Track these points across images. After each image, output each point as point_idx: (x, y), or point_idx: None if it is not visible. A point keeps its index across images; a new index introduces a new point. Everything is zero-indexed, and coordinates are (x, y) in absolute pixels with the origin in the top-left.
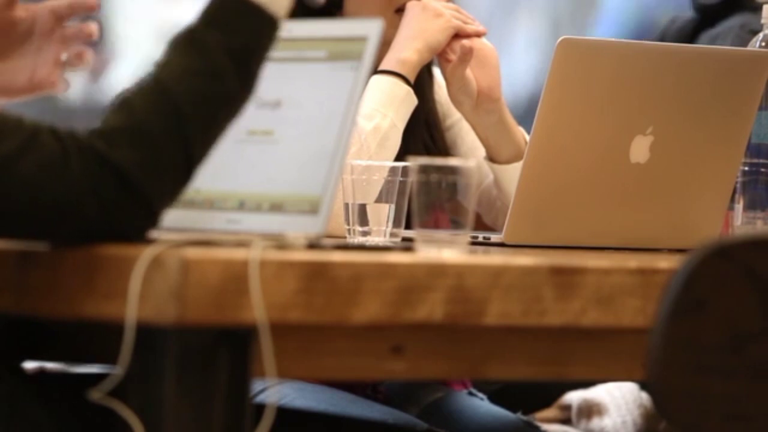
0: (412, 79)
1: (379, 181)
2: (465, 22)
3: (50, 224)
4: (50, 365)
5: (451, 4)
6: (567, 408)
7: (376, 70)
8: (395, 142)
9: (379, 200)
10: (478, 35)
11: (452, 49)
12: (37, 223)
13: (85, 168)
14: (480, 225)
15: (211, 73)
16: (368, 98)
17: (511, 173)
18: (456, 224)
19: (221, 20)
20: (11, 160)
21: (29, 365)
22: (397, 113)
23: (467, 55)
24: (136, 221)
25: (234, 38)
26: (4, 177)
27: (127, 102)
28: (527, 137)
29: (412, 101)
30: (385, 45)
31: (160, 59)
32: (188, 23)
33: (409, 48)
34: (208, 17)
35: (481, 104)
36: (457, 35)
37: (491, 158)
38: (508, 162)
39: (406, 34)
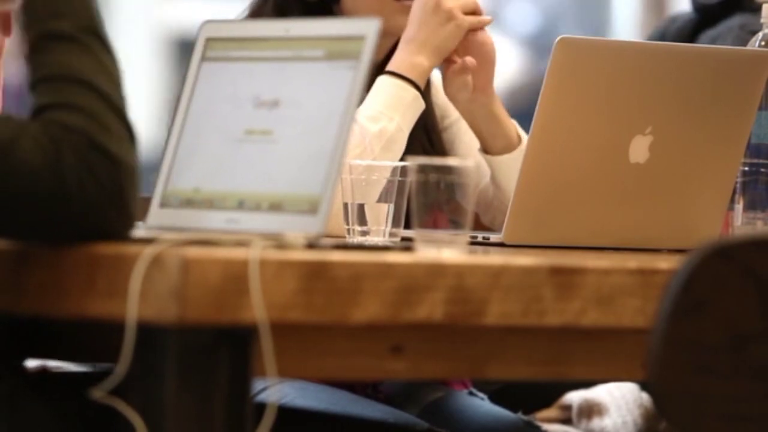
0: (422, 85)
1: (380, 181)
2: (475, 12)
3: (51, 208)
4: (52, 364)
5: None
6: (567, 408)
7: (383, 69)
8: (401, 146)
9: (378, 200)
10: (483, 25)
11: (457, 52)
12: (38, 209)
13: (77, 153)
14: (478, 225)
15: (89, 51)
16: (375, 100)
17: (505, 165)
18: (455, 224)
19: (57, 9)
20: (7, 148)
21: (31, 364)
22: (403, 117)
23: (472, 67)
24: (131, 191)
25: (79, 19)
26: (3, 163)
27: (43, 106)
28: (519, 129)
29: (420, 105)
30: (385, 36)
31: (31, 68)
32: (30, 30)
33: (420, 52)
34: (44, 12)
35: (475, 100)
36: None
37: (485, 149)
38: (501, 153)
39: (418, 36)
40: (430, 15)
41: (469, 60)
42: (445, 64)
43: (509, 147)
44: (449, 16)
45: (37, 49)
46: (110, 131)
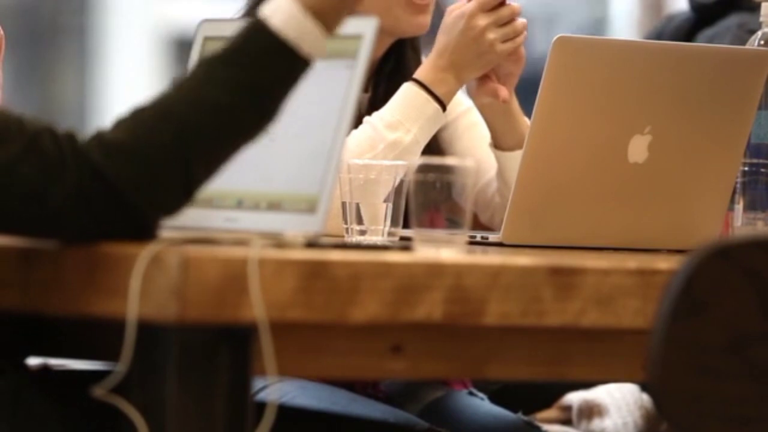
0: (446, 103)
1: (385, 181)
2: (510, 20)
3: (48, 229)
4: (54, 362)
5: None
6: (567, 409)
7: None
8: (414, 158)
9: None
10: (516, 48)
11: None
12: (36, 227)
13: (79, 178)
14: (476, 224)
15: (221, 108)
16: (397, 107)
17: (516, 162)
18: (453, 224)
19: (245, 56)
20: (14, 164)
21: (33, 361)
22: (421, 130)
23: (504, 100)
24: (127, 234)
25: (254, 75)
26: (7, 181)
27: (135, 116)
28: None
29: (440, 121)
30: (388, 35)
31: (180, 79)
32: (218, 50)
33: (451, 71)
34: (233, 50)
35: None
36: None
37: (496, 145)
38: (511, 149)
39: (453, 56)
40: (470, 41)
41: (503, 96)
42: (483, 77)
43: (520, 144)
44: (489, 48)
45: (202, 67)
46: (145, 174)
